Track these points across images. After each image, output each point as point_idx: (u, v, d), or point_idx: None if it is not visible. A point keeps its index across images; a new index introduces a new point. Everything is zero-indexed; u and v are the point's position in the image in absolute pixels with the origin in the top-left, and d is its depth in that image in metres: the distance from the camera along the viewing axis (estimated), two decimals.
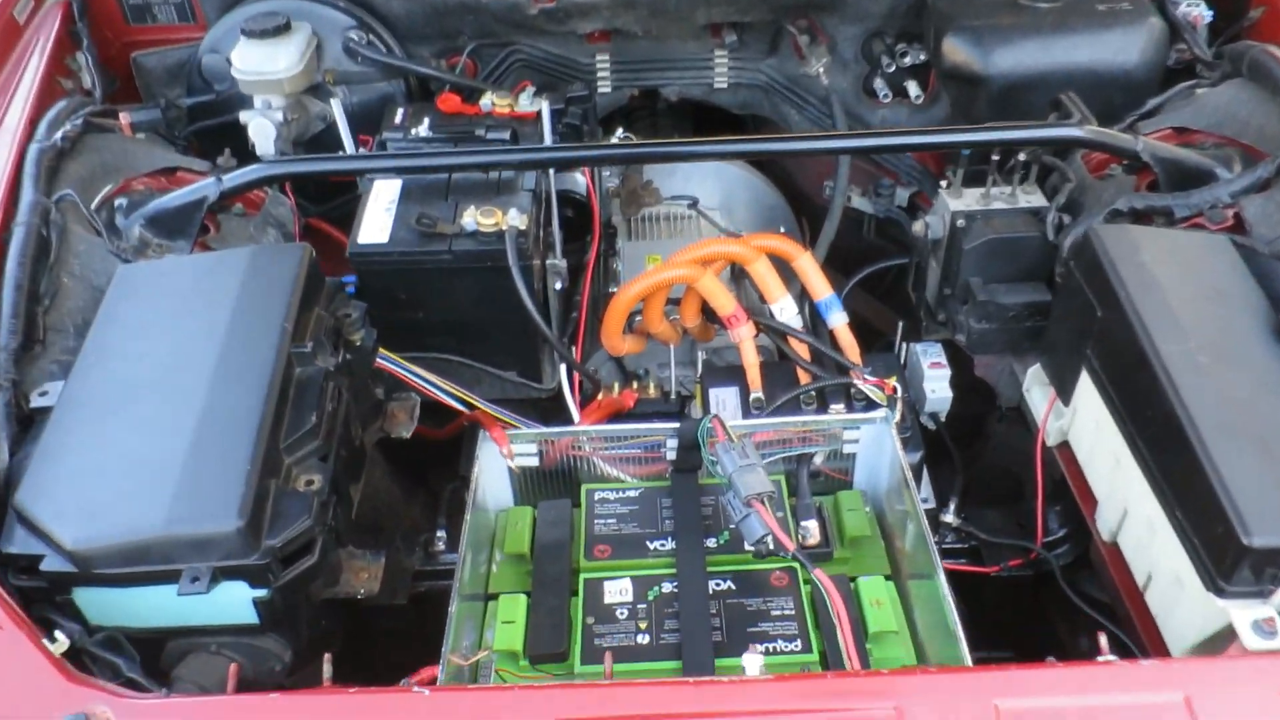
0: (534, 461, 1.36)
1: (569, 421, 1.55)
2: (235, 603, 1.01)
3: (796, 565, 1.21)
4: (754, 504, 1.16)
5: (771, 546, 1.15)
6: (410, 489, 1.76)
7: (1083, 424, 1.28)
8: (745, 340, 1.48)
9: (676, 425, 1.32)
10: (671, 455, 1.36)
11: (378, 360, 1.39)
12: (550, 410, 1.65)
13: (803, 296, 1.56)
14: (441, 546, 1.41)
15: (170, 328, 1.15)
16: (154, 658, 1.07)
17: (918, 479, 1.41)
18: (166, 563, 0.98)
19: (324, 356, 1.16)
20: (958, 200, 1.49)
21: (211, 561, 0.97)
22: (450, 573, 1.17)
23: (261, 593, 1.00)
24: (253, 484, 0.99)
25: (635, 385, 1.66)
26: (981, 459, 1.69)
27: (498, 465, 1.35)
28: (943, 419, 1.57)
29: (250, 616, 1.02)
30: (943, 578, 1.14)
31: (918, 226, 1.51)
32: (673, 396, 1.65)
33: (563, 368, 1.55)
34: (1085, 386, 1.25)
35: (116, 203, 1.40)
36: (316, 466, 1.09)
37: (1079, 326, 1.26)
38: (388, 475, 1.65)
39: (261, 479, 1.01)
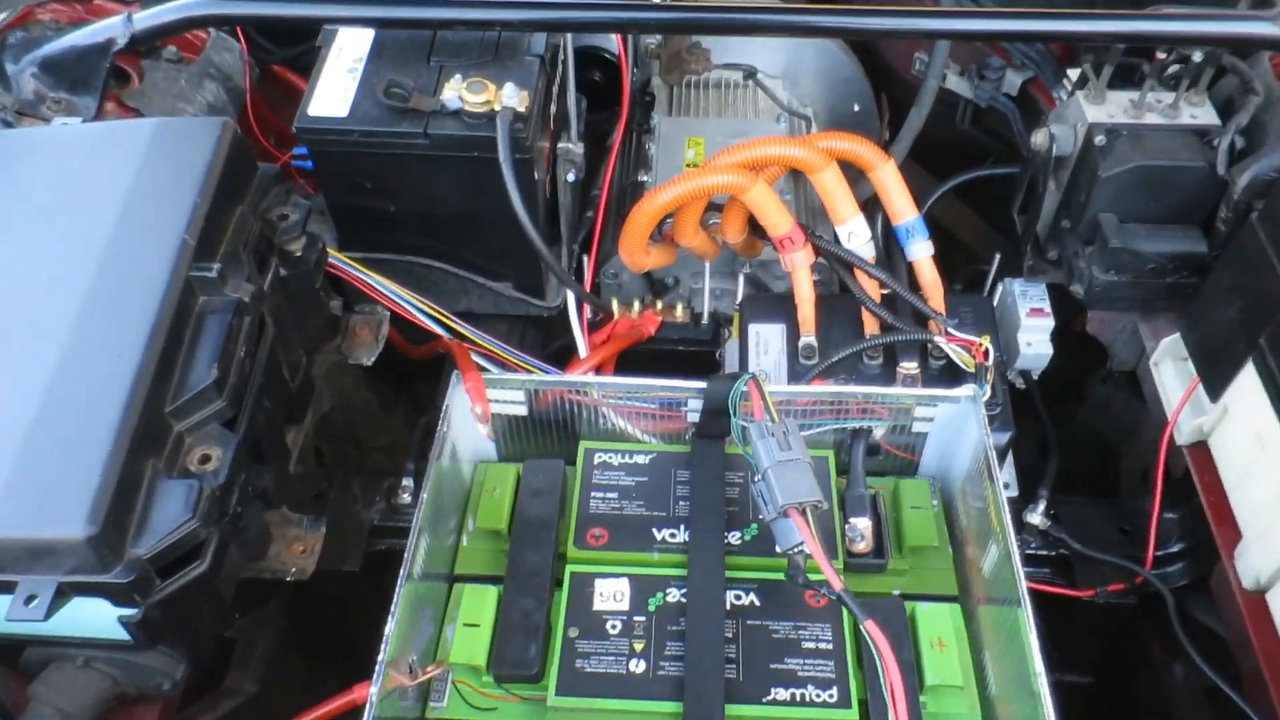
0: (521, 410, 1.08)
1: (573, 345, 1.26)
2: (99, 618, 0.77)
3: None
4: (793, 515, 0.88)
5: (809, 579, 0.89)
6: (390, 397, 1.50)
7: (1236, 433, 0.97)
8: (800, 270, 1.17)
9: (702, 385, 1.03)
10: (694, 417, 1.07)
11: (333, 263, 1.10)
12: (554, 328, 1.36)
13: (875, 210, 1.24)
14: (407, 498, 1.15)
15: (24, 237, 0.86)
16: (10, 658, 0.84)
17: (1001, 461, 1.12)
18: None
19: (237, 280, 0.87)
20: (1097, 108, 1.14)
21: (56, 575, 0.72)
22: None
23: (129, 612, 0.75)
24: (114, 472, 0.73)
25: (659, 304, 1.36)
26: (1072, 424, 1.39)
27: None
28: (1034, 378, 1.27)
29: (121, 633, 0.78)
30: (1029, 614, 0.87)
31: (1038, 138, 1.16)
32: (704, 321, 1.35)
33: None
34: (1248, 385, 0.94)
35: (8, 39, 1.09)
36: (217, 436, 0.82)
37: (1250, 301, 0.94)
38: (362, 381, 1.39)
39: (132, 461, 0.75)
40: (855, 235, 1.16)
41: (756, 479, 0.96)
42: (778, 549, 0.93)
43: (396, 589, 0.89)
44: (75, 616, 0.76)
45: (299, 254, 0.99)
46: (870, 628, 0.83)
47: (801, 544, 0.90)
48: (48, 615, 0.71)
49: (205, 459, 0.81)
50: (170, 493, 0.76)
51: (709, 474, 1.05)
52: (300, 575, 0.98)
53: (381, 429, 1.49)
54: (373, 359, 1.14)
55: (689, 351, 1.34)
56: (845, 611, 0.95)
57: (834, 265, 1.19)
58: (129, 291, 0.81)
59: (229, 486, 0.81)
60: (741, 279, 1.31)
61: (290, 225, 0.97)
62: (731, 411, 1.01)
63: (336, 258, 1.09)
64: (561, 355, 1.31)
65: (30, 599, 0.71)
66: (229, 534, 0.82)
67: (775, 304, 1.24)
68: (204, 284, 0.85)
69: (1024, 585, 0.89)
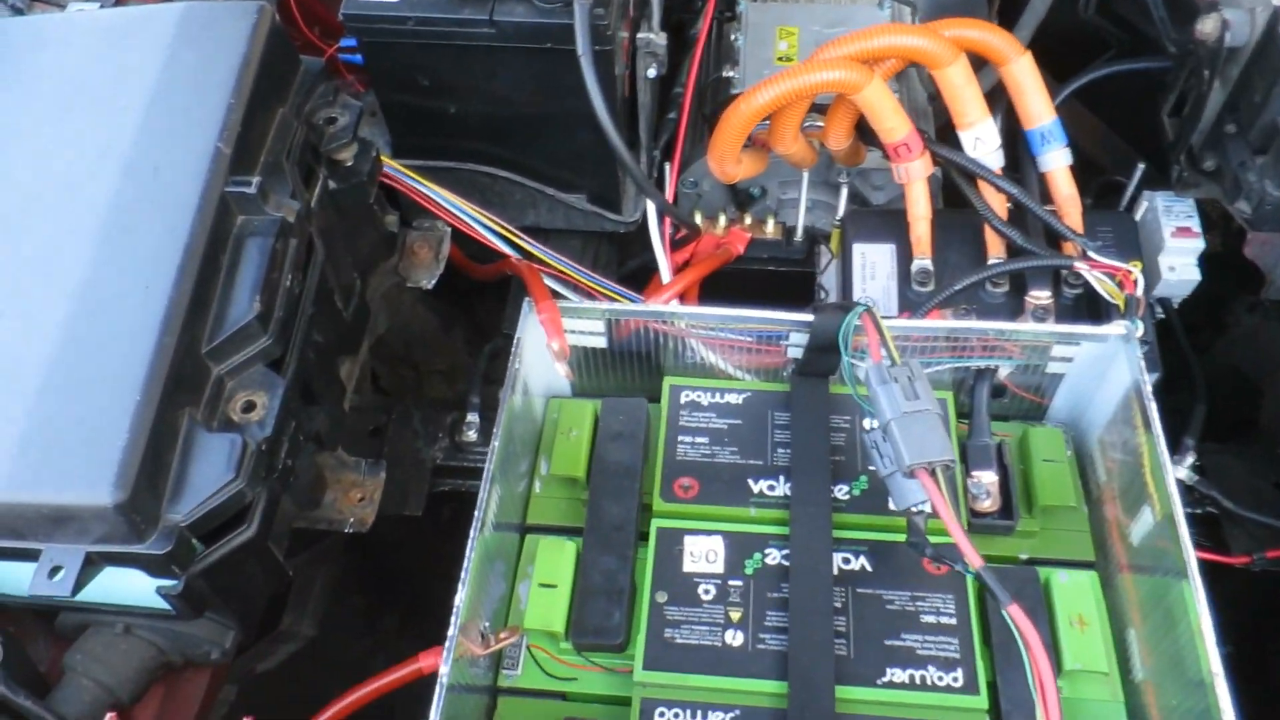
0: (600, 342, 0.96)
1: (653, 262, 1.13)
2: (137, 586, 0.68)
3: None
4: (922, 477, 0.76)
5: (933, 547, 0.77)
6: (449, 317, 1.39)
7: None
8: (916, 183, 1.02)
9: (807, 317, 0.90)
10: (796, 353, 0.95)
11: (388, 173, 0.97)
12: (630, 245, 1.23)
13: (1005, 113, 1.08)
14: (473, 435, 1.05)
15: (32, 146, 0.74)
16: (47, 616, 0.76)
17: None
18: (16, 538, 0.63)
19: (280, 196, 0.75)
20: None
21: (83, 544, 0.62)
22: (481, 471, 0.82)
23: (168, 583, 0.66)
24: (144, 427, 0.62)
25: (747, 218, 1.21)
26: (1207, 356, 1.24)
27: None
28: (1174, 307, 1.12)
29: (161, 603, 0.68)
30: (1199, 591, 0.75)
31: (1206, 25, 0.98)
32: (798, 238, 1.21)
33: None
34: None
35: None
36: (262, 379, 0.71)
37: None
38: (420, 301, 1.28)
39: (165, 412, 0.64)
40: (983, 141, 1.00)
41: (870, 428, 0.84)
42: (893, 506, 0.82)
43: (467, 547, 0.79)
44: (110, 584, 0.67)
45: (349, 163, 0.86)
46: (1015, 614, 0.71)
47: (923, 503, 0.78)
48: (75, 590, 0.62)
49: (249, 406, 0.70)
50: (210, 448, 0.66)
51: (812, 417, 0.93)
52: (359, 527, 0.88)
53: (440, 352, 1.39)
54: (433, 281, 1.02)
55: (780, 273, 1.20)
56: (970, 579, 0.83)
57: (955, 176, 1.03)
58: (155, 211, 0.69)
59: (277, 437, 0.71)
60: (844, 191, 1.16)
61: (339, 130, 0.84)
62: (842, 348, 0.88)
63: (391, 167, 0.96)
64: (639, 277, 1.18)
65: (55, 571, 0.62)
66: (279, 491, 0.72)
67: (883, 221, 1.10)
68: (242, 201, 0.73)
69: (1193, 556, 0.76)
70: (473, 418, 1.05)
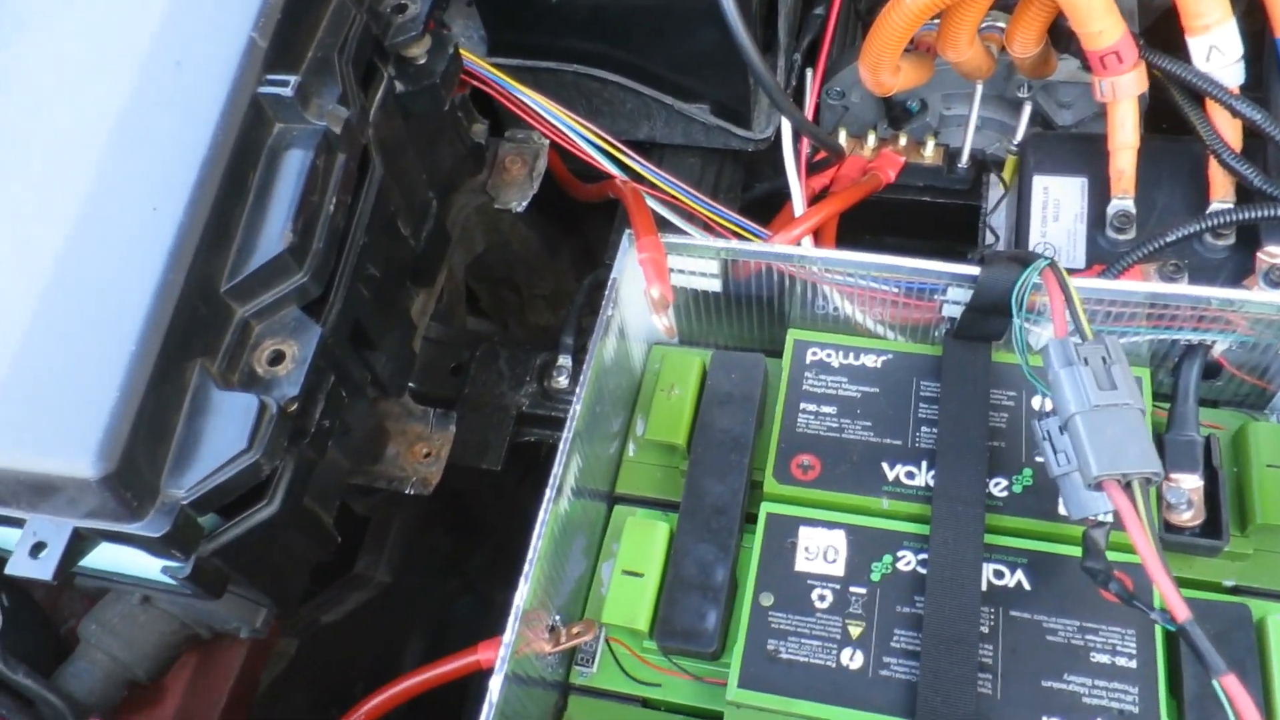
0: (714, 285, 0.81)
1: (785, 189, 0.96)
2: (145, 561, 0.58)
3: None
4: (1112, 491, 0.59)
5: (1126, 592, 0.60)
6: (554, 236, 1.26)
7: None
8: (1124, 102, 0.81)
9: (972, 270, 0.73)
10: (953, 310, 0.77)
11: (473, 72, 0.83)
12: (759, 167, 1.05)
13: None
14: (564, 381, 0.92)
15: (43, 36, 0.62)
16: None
17: None
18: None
19: (327, 100, 0.62)
20: None
21: (71, 518, 0.52)
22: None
23: (174, 565, 0.55)
24: (140, 382, 0.51)
25: (901, 138, 1.02)
26: None
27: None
28: None
29: (172, 581, 0.58)
30: None
31: None
32: (963, 164, 1.01)
33: None
34: None
35: None
36: (294, 325, 0.59)
37: None
38: (521, 218, 1.15)
39: (170, 364, 0.53)
40: (1220, 51, 0.78)
41: (1044, 413, 0.67)
42: (1064, 512, 0.65)
43: (537, 520, 0.67)
44: (117, 555, 0.57)
45: (421, 61, 0.72)
46: (1231, 687, 0.54)
47: (1105, 513, 0.61)
48: (59, 573, 0.52)
49: (276, 358, 0.58)
50: (222, 411, 0.54)
51: (967, 391, 0.76)
52: (421, 488, 0.77)
53: (544, 275, 1.26)
54: (524, 203, 0.88)
55: (938, 206, 1.01)
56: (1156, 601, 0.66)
57: (1176, 95, 0.81)
58: (172, 116, 0.57)
59: (311, 396, 0.59)
60: (1026, 109, 0.96)
61: (409, 20, 0.70)
62: (1014, 311, 0.70)
63: (478, 66, 0.82)
64: (766, 205, 1.01)
65: (38, 549, 0.52)
66: (313, 457, 0.60)
67: (1074, 148, 0.89)
68: (278, 105, 0.59)
69: None
70: (564, 360, 0.92)
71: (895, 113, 1.07)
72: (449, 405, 0.91)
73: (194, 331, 0.55)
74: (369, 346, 0.69)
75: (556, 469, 0.69)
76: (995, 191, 0.95)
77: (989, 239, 0.90)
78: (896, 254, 0.76)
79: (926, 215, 1.01)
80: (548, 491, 0.68)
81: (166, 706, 0.67)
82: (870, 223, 1.03)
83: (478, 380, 0.92)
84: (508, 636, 0.63)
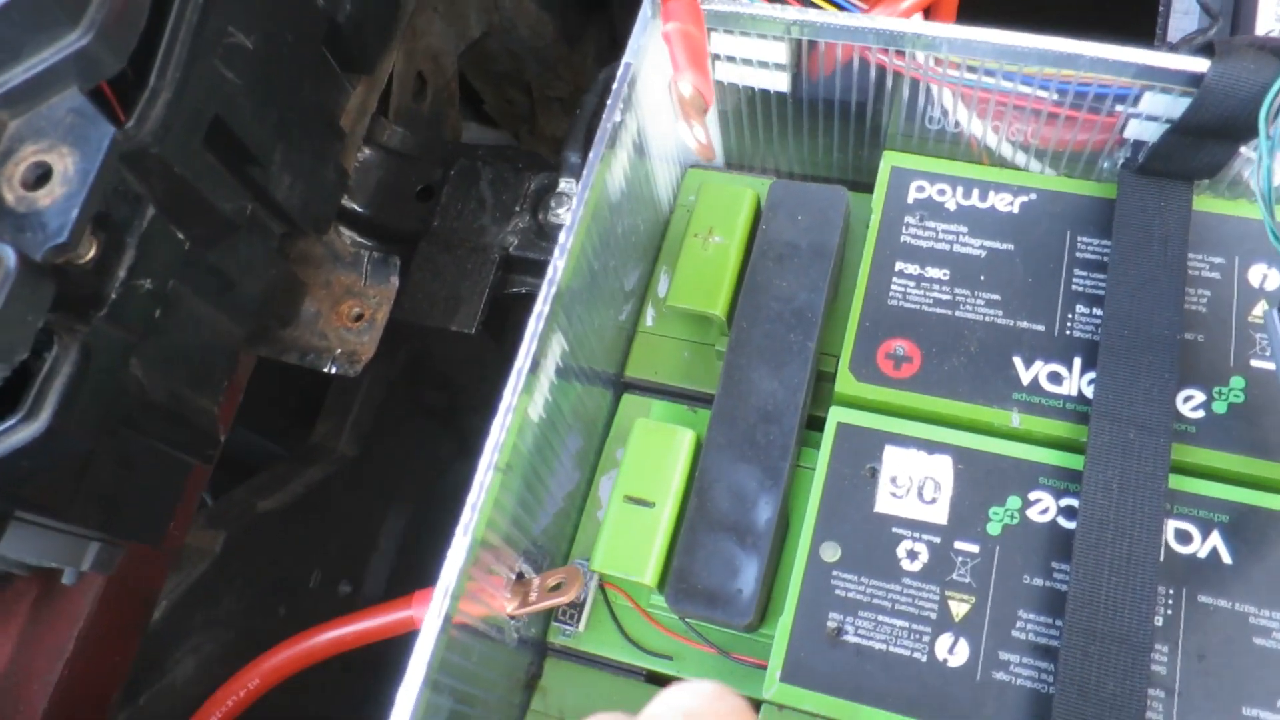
0: (779, 81, 0.55)
1: None
2: None
3: None
4: None
5: None
6: (575, 20, 0.98)
7: None
8: None
9: (1190, 63, 0.46)
10: (1142, 130, 0.51)
11: None
12: None
13: None
14: (565, 215, 0.67)
15: None
16: None
17: None
18: None
19: None
20: None
21: None
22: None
23: None
24: None
25: None
26: None
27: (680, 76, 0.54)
28: None
29: None
30: None
31: None
32: None
33: None
34: None
35: None
36: (74, 119, 0.35)
37: None
38: None
39: None
40: None
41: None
42: None
43: (500, 406, 0.44)
44: None
45: None
46: None
47: None
48: None
49: (40, 177, 0.34)
50: None
51: (1154, 254, 0.50)
52: (347, 367, 0.54)
53: (560, 71, 0.99)
54: None
55: None
56: None
57: None
58: None
59: (114, 240, 0.36)
60: None
61: None
62: (1261, 130, 0.44)
63: None
64: None
65: None
66: (123, 338, 0.38)
67: None
68: None
69: None
70: (567, 185, 0.67)
71: None
72: (412, 241, 0.67)
73: None
74: (249, 161, 0.45)
75: (528, 341, 0.46)
76: None
77: (1208, 24, 0.61)
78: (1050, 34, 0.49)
79: None
80: (513, 374, 0.46)
81: None
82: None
83: (450, 209, 0.68)
84: (442, 593, 0.42)
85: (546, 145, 1.05)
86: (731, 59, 0.54)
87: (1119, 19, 0.71)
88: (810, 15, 0.50)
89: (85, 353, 0.36)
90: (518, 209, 0.68)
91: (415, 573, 0.96)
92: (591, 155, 0.50)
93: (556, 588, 0.48)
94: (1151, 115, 0.49)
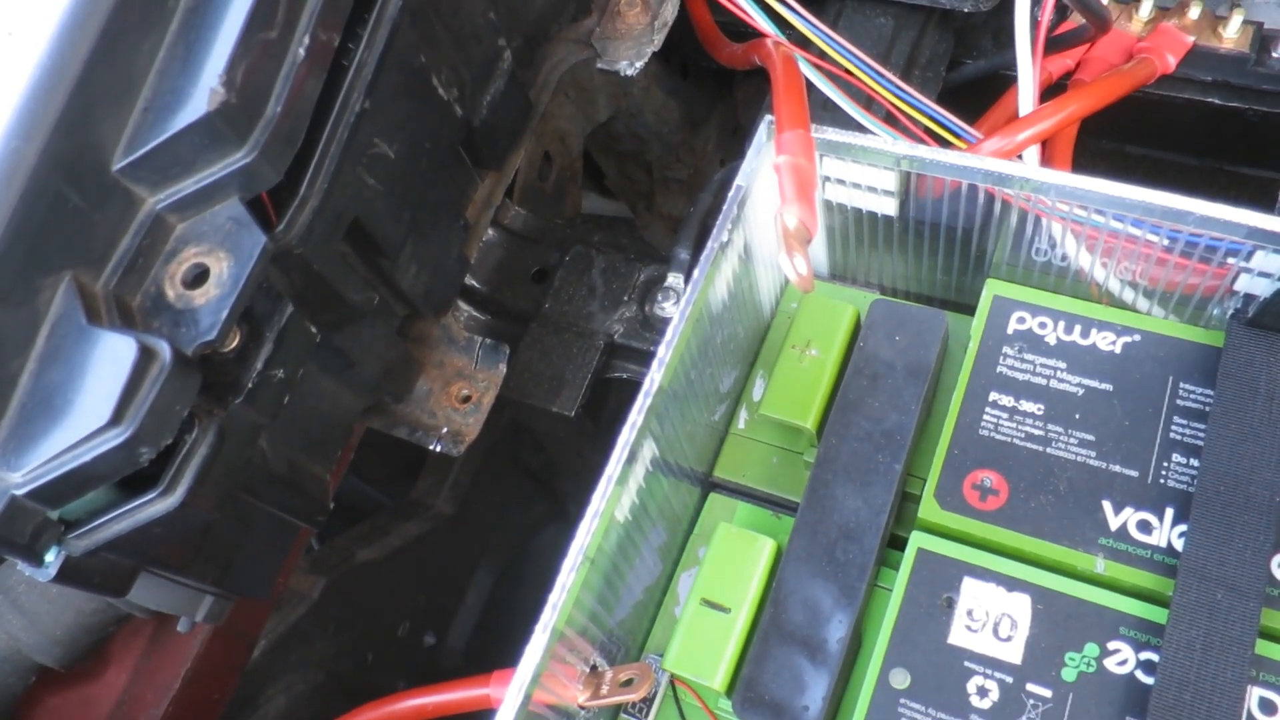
0: (887, 205, 0.56)
1: (1008, 70, 0.68)
2: None
3: None
4: None
5: None
6: (700, 106, 1.02)
7: None
8: None
9: None
10: (1254, 285, 0.50)
11: None
12: (978, 37, 0.77)
13: None
14: (670, 308, 0.69)
15: None
16: None
17: None
18: None
19: None
20: None
21: None
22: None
23: (34, 568, 0.38)
24: None
25: (1189, 10, 0.71)
26: None
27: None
28: None
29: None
30: None
31: None
32: (1278, 53, 0.70)
33: None
34: None
35: None
36: (231, 226, 0.40)
37: None
38: (657, 79, 0.93)
39: (10, 281, 0.34)
40: None
41: None
42: None
43: (593, 496, 0.47)
44: None
45: None
46: None
47: None
48: None
49: (197, 277, 0.39)
50: (87, 359, 0.36)
51: (1257, 408, 0.50)
52: (452, 445, 0.57)
53: (683, 153, 1.02)
54: (639, 63, 0.64)
55: (1232, 111, 0.70)
56: None
57: None
58: None
59: (254, 335, 0.40)
60: None
61: None
62: None
63: None
64: (978, 91, 0.72)
65: None
66: (255, 422, 0.42)
67: None
68: None
69: None
70: (675, 281, 0.69)
71: None
72: (524, 320, 0.71)
73: (59, 228, 0.36)
74: (379, 254, 0.49)
75: (627, 434, 0.48)
76: None
77: None
78: (1163, 185, 0.49)
79: (1213, 125, 0.71)
80: (609, 465, 0.48)
81: (100, 697, 0.52)
82: (1121, 126, 0.74)
83: (563, 293, 0.72)
84: (521, 678, 0.44)
85: (663, 223, 1.08)
86: (841, 181, 0.56)
87: (1257, 155, 0.70)
88: (920, 151, 0.51)
89: (221, 434, 0.40)
90: (626, 298, 0.71)
91: (498, 631, 0.98)
92: (697, 273, 0.52)
93: (628, 683, 0.50)
94: (1264, 272, 0.49)
